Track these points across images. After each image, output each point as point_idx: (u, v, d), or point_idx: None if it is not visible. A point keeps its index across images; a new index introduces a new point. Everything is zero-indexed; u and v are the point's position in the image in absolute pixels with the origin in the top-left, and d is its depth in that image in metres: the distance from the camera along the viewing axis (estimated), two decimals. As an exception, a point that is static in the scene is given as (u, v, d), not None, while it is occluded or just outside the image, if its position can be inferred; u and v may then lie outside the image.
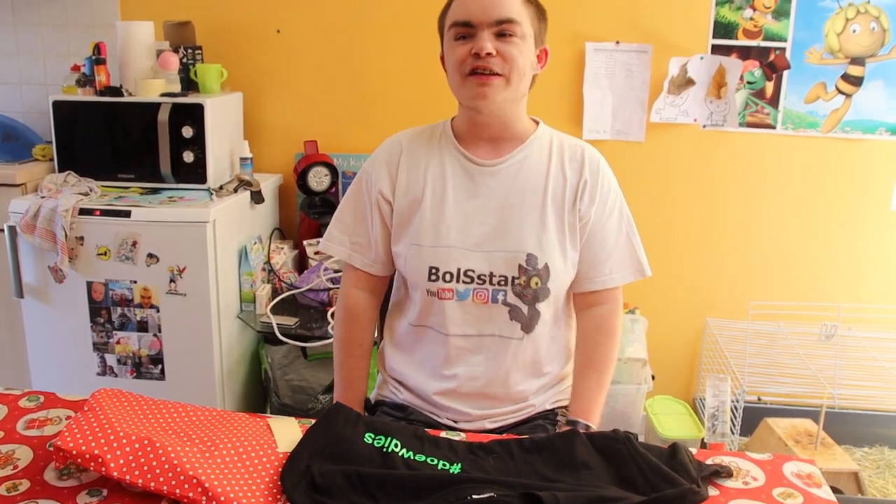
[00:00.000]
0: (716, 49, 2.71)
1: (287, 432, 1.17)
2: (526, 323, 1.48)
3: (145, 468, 1.01)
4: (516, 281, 1.46)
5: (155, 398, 1.23)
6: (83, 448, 1.03)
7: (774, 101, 2.74)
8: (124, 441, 1.04)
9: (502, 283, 1.46)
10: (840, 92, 2.70)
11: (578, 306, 1.56)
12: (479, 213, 1.47)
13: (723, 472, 1.12)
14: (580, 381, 1.50)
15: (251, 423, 1.19)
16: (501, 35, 1.39)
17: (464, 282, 1.47)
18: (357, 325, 1.60)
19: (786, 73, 2.71)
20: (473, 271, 1.46)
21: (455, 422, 1.52)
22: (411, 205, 1.50)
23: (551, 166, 1.49)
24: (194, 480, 0.99)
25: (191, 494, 0.99)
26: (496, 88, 1.41)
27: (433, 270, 1.47)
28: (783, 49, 2.69)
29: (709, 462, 1.16)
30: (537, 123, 1.55)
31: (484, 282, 1.46)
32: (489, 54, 1.38)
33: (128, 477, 1.01)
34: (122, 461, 1.02)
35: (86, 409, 1.14)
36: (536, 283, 1.46)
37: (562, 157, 1.50)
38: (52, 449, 1.09)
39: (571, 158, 1.51)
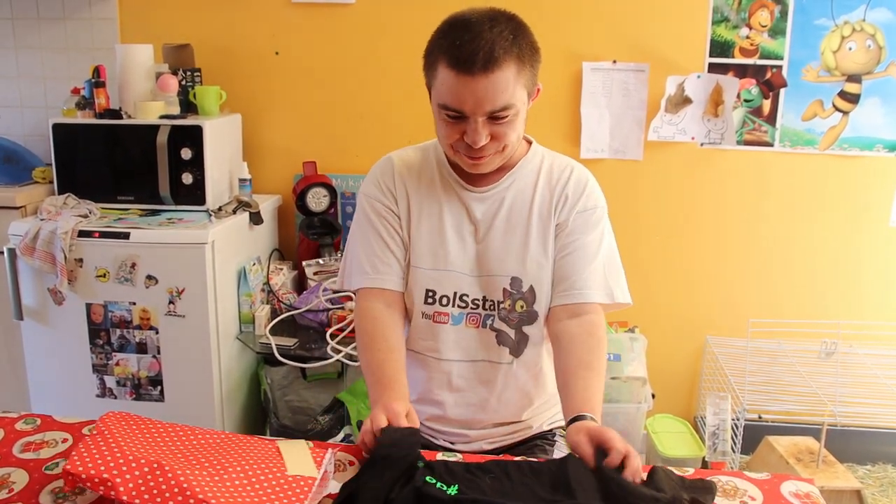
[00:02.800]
0: (712, 67, 2.72)
1: (297, 455, 1.16)
2: (514, 347, 1.48)
3: (154, 492, 1.01)
4: (501, 305, 1.46)
5: (163, 421, 1.23)
6: (92, 472, 1.03)
7: (772, 119, 2.75)
8: (133, 464, 1.04)
9: (492, 307, 1.47)
10: (837, 109, 2.71)
11: (562, 316, 1.44)
12: (471, 237, 1.48)
13: (706, 491, 1.10)
14: (576, 380, 1.33)
15: (261, 447, 1.18)
16: (495, 118, 1.34)
17: (459, 306, 1.47)
18: (382, 324, 1.45)
19: (783, 90, 2.72)
20: (468, 296, 1.47)
21: (452, 443, 1.52)
22: (408, 226, 1.50)
23: (538, 187, 1.48)
24: (204, 504, 0.99)
25: (200, 517, 0.98)
26: (490, 162, 1.41)
27: (430, 293, 1.48)
28: (780, 67, 2.70)
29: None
30: (530, 143, 1.54)
31: (477, 306, 1.47)
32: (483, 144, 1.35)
33: (137, 501, 1.00)
34: (131, 485, 1.02)
35: (94, 432, 1.14)
36: (522, 307, 1.46)
37: (549, 177, 1.50)
38: (51, 472, 1.09)
39: (559, 178, 1.49)
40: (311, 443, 1.22)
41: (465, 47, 1.28)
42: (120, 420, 1.18)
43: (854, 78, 2.68)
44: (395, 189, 1.51)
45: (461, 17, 1.33)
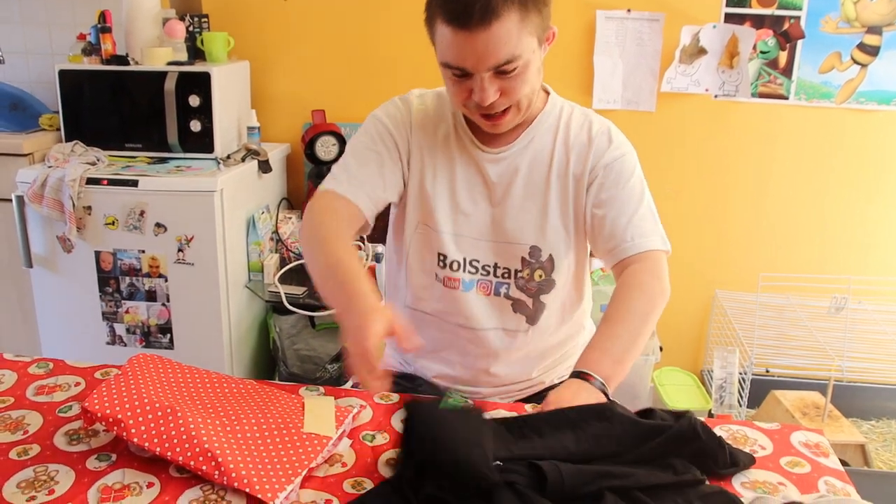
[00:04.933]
0: (729, 18, 2.67)
1: (319, 413, 1.14)
2: (531, 316, 1.44)
3: (164, 437, 1.02)
4: (519, 274, 1.41)
5: (193, 367, 1.22)
6: (108, 412, 1.04)
7: (788, 71, 2.70)
8: (148, 408, 1.05)
9: (506, 275, 1.41)
10: (855, 62, 2.66)
11: (617, 275, 1.37)
12: (486, 201, 1.40)
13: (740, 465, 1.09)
14: (594, 337, 1.27)
15: (285, 400, 1.17)
16: (503, 72, 1.24)
17: (469, 272, 1.42)
18: (338, 222, 1.33)
19: (800, 42, 2.67)
20: (479, 261, 1.41)
21: (465, 398, 1.51)
22: (421, 181, 1.42)
23: (555, 150, 1.39)
24: (209, 454, 0.99)
25: (204, 467, 0.99)
26: (508, 120, 1.33)
27: (441, 257, 1.42)
28: (798, 18, 2.65)
29: (716, 432, 1.15)
30: (548, 94, 1.45)
31: (488, 273, 1.41)
32: (493, 101, 1.26)
33: (146, 444, 1.02)
34: (143, 427, 1.03)
35: (119, 373, 1.15)
36: (540, 276, 1.40)
37: (567, 134, 1.40)
38: (65, 415, 1.10)
39: (578, 133, 1.40)
40: (336, 400, 1.20)
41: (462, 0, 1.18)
42: (147, 363, 1.18)
43: (874, 30, 2.63)
44: (410, 134, 1.42)
45: None
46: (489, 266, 1.41)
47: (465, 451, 0.95)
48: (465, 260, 1.41)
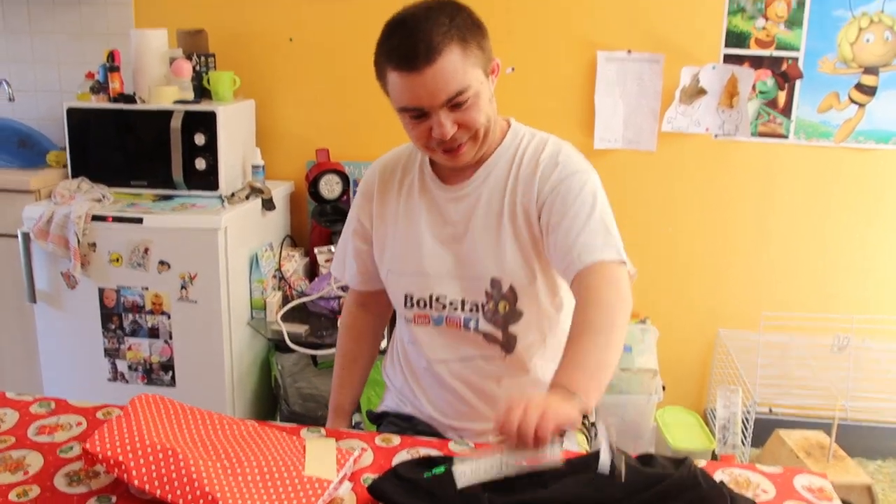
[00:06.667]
0: (728, 58, 2.70)
1: (320, 455, 1.14)
2: (504, 345, 1.45)
3: (165, 479, 1.02)
4: (485, 307, 1.42)
5: (195, 408, 1.23)
6: (109, 454, 1.04)
7: (787, 111, 2.73)
8: (149, 450, 1.05)
9: (473, 309, 1.43)
10: (853, 101, 2.69)
11: (574, 291, 1.32)
12: (449, 239, 1.44)
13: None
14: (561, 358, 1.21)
15: (287, 443, 1.17)
16: (456, 105, 1.29)
17: (437, 308, 1.45)
18: (352, 338, 1.67)
19: (798, 82, 2.70)
20: (446, 297, 1.44)
21: (461, 435, 1.51)
22: (386, 231, 1.49)
23: (509, 181, 1.41)
24: (210, 497, 0.99)
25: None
26: (467, 152, 1.36)
27: (408, 297, 1.48)
28: (796, 58, 2.68)
29: (718, 475, 1.15)
30: (510, 125, 1.46)
31: (456, 308, 1.44)
32: (452, 133, 1.31)
33: (147, 486, 1.02)
34: (143, 469, 1.03)
35: (120, 414, 1.15)
36: (505, 308, 1.41)
37: (519, 168, 1.41)
38: (66, 456, 1.10)
39: (530, 161, 1.40)
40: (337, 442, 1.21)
41: (404, 45, 1.26)
42: (149, 404, 1.19)
43: (871, 70, 2.66)
44: (373, 201, 1.52)
45: (397, 18, 1.32)
46: (456, 301, 1.44)
47: None
48: (431, 297, 1.45)
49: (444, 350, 1.47)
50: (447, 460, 1.11)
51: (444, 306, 1.44)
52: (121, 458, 1.03)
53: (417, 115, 1.31)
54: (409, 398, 1.56)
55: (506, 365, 1.46)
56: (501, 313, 1.42)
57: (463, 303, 1.43)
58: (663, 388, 2.69)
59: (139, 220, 2.35)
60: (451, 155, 1.35)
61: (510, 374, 1.46)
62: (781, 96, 2.72)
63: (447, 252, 1.44)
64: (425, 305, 1.46)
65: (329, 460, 1.13)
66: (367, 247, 1.54)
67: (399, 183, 1.50)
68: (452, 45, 1.26)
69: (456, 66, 1.26)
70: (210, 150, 2.50)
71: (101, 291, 2.40)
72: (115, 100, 2.57)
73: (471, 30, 1.29)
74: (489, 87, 1.35)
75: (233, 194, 2.54)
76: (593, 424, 1.57)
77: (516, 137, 1.45)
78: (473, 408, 1.47)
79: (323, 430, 1.28)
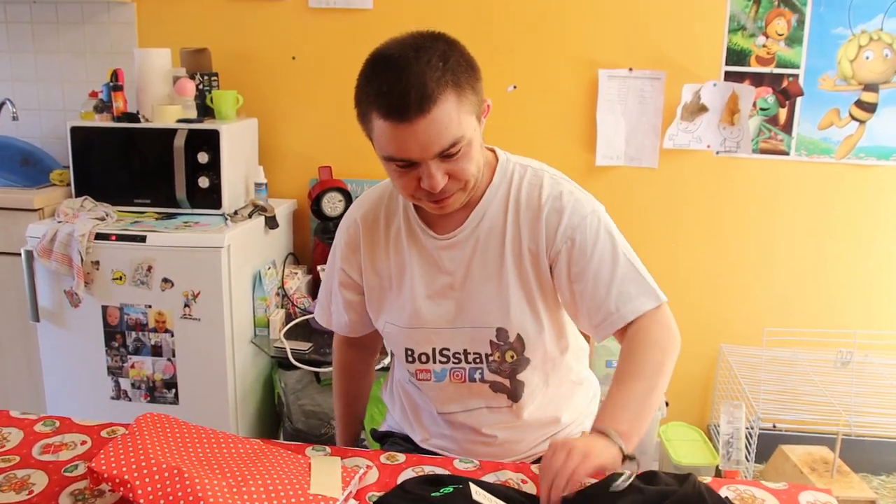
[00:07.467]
0: (729, 76, 2.72)
1: (325, 473, 1.14)
2: (511, 393, 1.40)
3: (170, 498, 1.02)
4: (490, 358, 1.36)
5: (200, 426, 1.22)
6: (115, 472, 1.04)
7: (788, 128, 2.74)
8: (154, 469, 1.05)
9: (478, 360, 1.37)
10: (854, 118, 2.70)
11: (619, 339, 1.33)
12: (445, 288, 1.36)
13: None
14: (608, 395, 1.25)
15: (292, 461, 1.17)
16: (448, 156, 1.19)
17: (440, 361, 1.39)
18: (350, 378, 1.66)
19: (799, 99, 2.71)
20: (449, 349, 1.38)
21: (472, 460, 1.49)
22: (381, 284, 1.42)
23: (507, 224, 1.33)
24: (215, 515, 0.99)
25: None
26: (455, 201, 1.28)
27: (409, 352, 1.41)
28: (796, 76, 2.69)
29: (723, 491, 1.15)
30: (497, 158, 1.38)
31: (460, 360, 1.38)
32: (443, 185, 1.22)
33: None
34: (149, 489, 1.03)
35: (126, 432, 1.15)
36: (512, 357, 1.35)
37: (517, 210, 1.33)
38: (71, 475, 1.10)
39: (528, 204, 1.33)
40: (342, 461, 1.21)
41: (394, 91, 1.14)
42: (154, 422, 1.19)
43: (871, 87, 2.67)
44: (360, 249, 1.42)
45: (383, 54, 1.21)
46: (459, 353, 1.37)
47: None
48: (433, 350, 1.39)
49: (447, 404, 1.42)
50: (456, 479, 1.11)
51: (448, 358, 1.38)
52: (126, 476, 1.03)
53: (405, 164, 1.20)
54: (409, 430, 1.54)
55: (512, 412, 1.42)
56: (509, 362, 1.36)
57: (466, 353, 1.37)
58: (666, 403, 2.69)
59: (142, 239, 2.35)
60: (438, 204, 1.26)
61: (514, 421, 1.43)
62: (782, 113, 2.73)
63: (446, 302, 1.36)
64: (427, 360, 1.40)
65: (334, 478, 1.13)
66: (359, 297, 1.47)
67: (384, 233, 1.41)
68: (447, 92, 1.15)
69: (451, 116, 1.16)
70: (213, 169, 2.51)
71: (105, 309, 2.40)
72: (119, 118, 2.58)
73: (465, 72, 1.19)
74: (480, 131, 1.26)
75: (236, 212, 2.55)
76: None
77: (506, 173, 1.36)
78: (474, 451, 1.43)
79: (328, 449, 1.28)
